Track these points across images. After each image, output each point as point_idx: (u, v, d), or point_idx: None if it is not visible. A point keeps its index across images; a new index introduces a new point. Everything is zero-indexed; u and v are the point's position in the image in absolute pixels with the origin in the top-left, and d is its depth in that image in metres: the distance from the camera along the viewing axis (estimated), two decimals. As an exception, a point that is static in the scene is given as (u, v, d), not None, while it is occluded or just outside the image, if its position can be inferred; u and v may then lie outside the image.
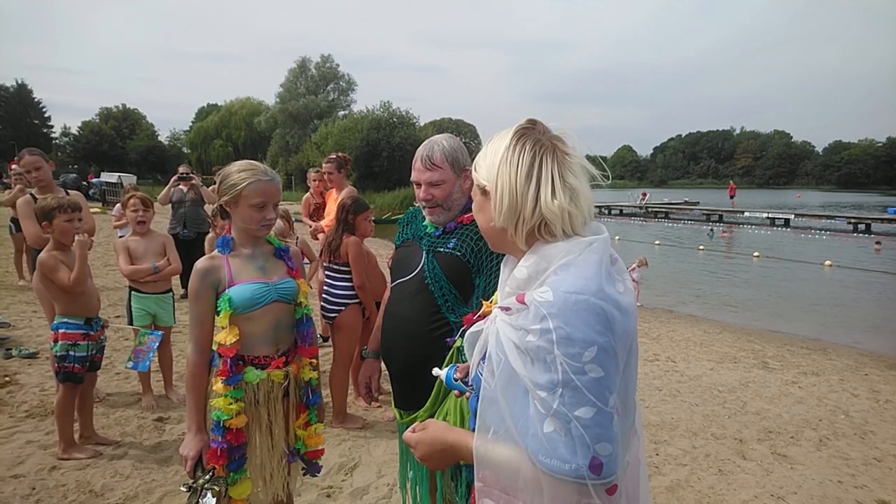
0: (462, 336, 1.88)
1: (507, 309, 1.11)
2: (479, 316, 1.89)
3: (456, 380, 1.44)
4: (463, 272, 2.01)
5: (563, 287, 1.02)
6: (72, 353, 3.30)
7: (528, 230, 1.12)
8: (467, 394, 1.40)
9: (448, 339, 1.99)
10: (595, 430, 0.97)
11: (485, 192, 1.18)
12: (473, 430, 1.20)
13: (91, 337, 3.40)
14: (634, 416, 1.16)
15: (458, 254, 2.02)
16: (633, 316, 1.09)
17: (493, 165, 1.15)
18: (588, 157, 1.18)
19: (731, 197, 37.54)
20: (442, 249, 2.06)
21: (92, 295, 3.47)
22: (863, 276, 13.58)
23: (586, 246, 1.09)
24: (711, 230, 24.03)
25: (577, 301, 1.00)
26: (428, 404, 1.98)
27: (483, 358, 1.17)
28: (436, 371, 1.52)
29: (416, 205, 2.53)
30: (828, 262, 14.81)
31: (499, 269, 1.93)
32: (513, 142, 1.13)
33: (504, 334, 1.09)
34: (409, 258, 2.15)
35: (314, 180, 5.92)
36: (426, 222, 2.18)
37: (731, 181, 50.88)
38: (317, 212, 5.93)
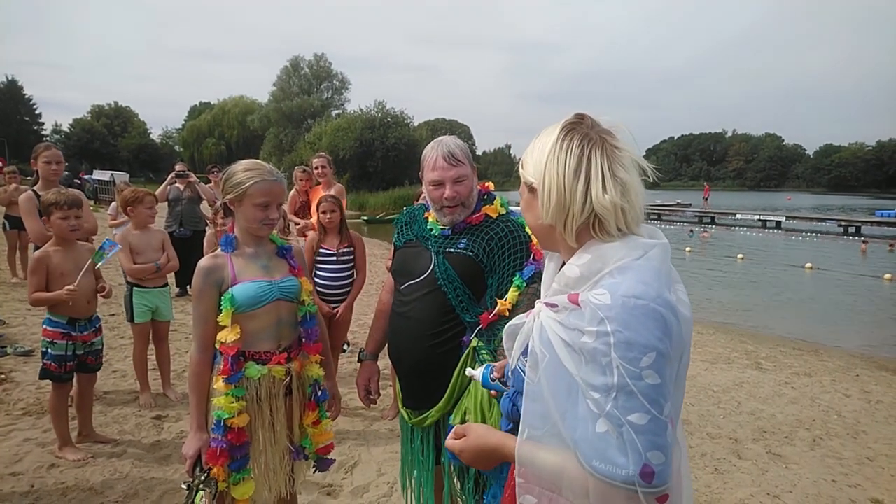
0: (477, 336, 1.90)
1: (553, 306, 1.08)
2: (494, 314, 1.91)
3: (493, 379, 1.40)
4: (476, 272, 1.98)
5: (621, 291, 0.99)
6: (49, 350, 3.27)
7: (578, 227, 1.08)
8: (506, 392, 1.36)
9: (463, 339, 1.98)
10: (648, 437, 0.94)
11: (532, 190, 1.15)
12: (505, 431, 1.20)
13: (73, 338, 3.31)
14: (677, 427, 1.13)
15: (471, 254, 1.99)
16: (689, 326, 1.06)
17: (539, 162, 1.11)
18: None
19: (705, 198, 38.11)
20: (453, 250, 2.02)
21: (80, 296, 3.32)
22: (846, 278, 13.65)
23: (644, 251, 1.06)
24: (691, 231, 24.45)
25: (637, 306, 0.97)
26: (441, 403, 1.97)
27: (524, 353, 1.14)
28: (469, 371, 1.49)
29: (419, 203, 2.52)
30: (808, 265, 14.88)
31: (511, 269, 1.96)
32: (560, 136, 1.10)
33: (551, 330, 1.06)
34: (416, 259, 2.10)
35: (300, 179, 5.98)
36: (431, 223, 2.13)
37: (705, 183, 51.50)
38: (302, 209, 5.98)
